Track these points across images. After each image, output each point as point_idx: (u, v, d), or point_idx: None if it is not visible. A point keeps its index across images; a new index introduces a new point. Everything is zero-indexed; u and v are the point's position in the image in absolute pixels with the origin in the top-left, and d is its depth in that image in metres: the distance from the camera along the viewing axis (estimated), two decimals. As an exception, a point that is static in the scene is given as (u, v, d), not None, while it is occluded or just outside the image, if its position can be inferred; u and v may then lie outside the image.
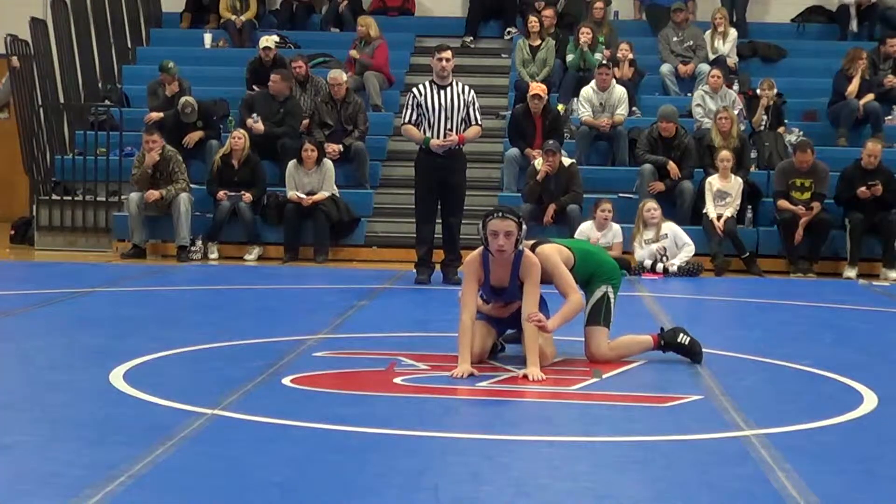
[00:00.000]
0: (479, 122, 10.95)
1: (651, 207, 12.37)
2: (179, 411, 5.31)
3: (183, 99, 14.03)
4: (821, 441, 5.12)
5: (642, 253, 12.28)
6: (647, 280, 11.76)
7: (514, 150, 13.74)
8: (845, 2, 16.67)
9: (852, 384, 6.32)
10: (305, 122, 14.16)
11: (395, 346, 7.24)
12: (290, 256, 13.03)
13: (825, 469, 4.63)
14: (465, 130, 10.77)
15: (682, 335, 6.94)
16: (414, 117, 10.77)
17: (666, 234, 12.31)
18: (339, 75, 13.99)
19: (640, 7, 17.49)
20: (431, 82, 10.83)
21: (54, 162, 14.82)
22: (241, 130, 13.50)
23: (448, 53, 10.83)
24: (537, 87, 13.60)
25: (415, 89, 10.94)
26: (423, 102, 10.71)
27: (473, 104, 10.85)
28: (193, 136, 13.92)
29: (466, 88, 10.91)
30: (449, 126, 10.70)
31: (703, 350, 6.96)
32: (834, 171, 13.07)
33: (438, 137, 10.67)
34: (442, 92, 10.74)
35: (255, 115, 13.87)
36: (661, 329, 7.05)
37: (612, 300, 6.85)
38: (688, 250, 12.26)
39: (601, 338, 6.83)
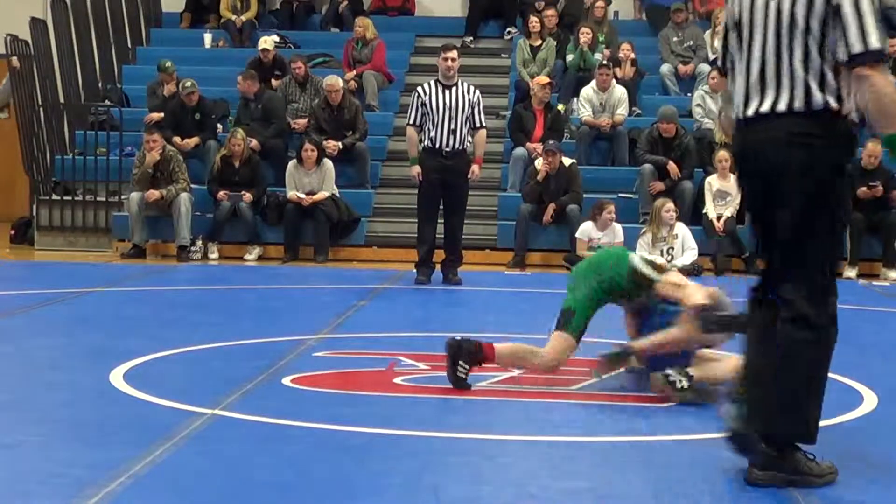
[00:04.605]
0: (483, 125, 10.95)
1: (670, 208, 12.39)
2: (179, 411, 5.31)
3: (184, 80, 13.99)
4: (821, 441, 5.11)
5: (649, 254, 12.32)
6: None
7: (520, 150, 13.75)
8: (845, 2, 16.65)
9: (852, 384, 6.31)
10: (304, 121, 14.14)
11: (395, 346, 7.24)
12: (290, 256, 13.03)
13: (825, 469, 4.63)
14: (468, 131, 10.80)
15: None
16: (418, 118, 10.75)
17: (677, 235, 12.37)
18: (336, 81, 13.92)
19: (640, 7, 17.47)
20: (437, 81, 10.81)
21: (54, 162, 14.81)
22: (242, 131, 13.46)
23: (454, 53, 10.82)
24: (543, 79, 13.74)
25: (419, 88, 10.91)
26: (427, 102, 10.69)
27: (478, 105, 10.85)
28: (189, 142, 13.87)
29: (472, 89, 10.90)
30: (453, 126, 10.68)
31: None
32: (834, 171, 13.04)
33: (443, 137, 10.67)
34: (447, 91, 10.72)
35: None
36: None
37: None
38: (691, 254, 12.31)
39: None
